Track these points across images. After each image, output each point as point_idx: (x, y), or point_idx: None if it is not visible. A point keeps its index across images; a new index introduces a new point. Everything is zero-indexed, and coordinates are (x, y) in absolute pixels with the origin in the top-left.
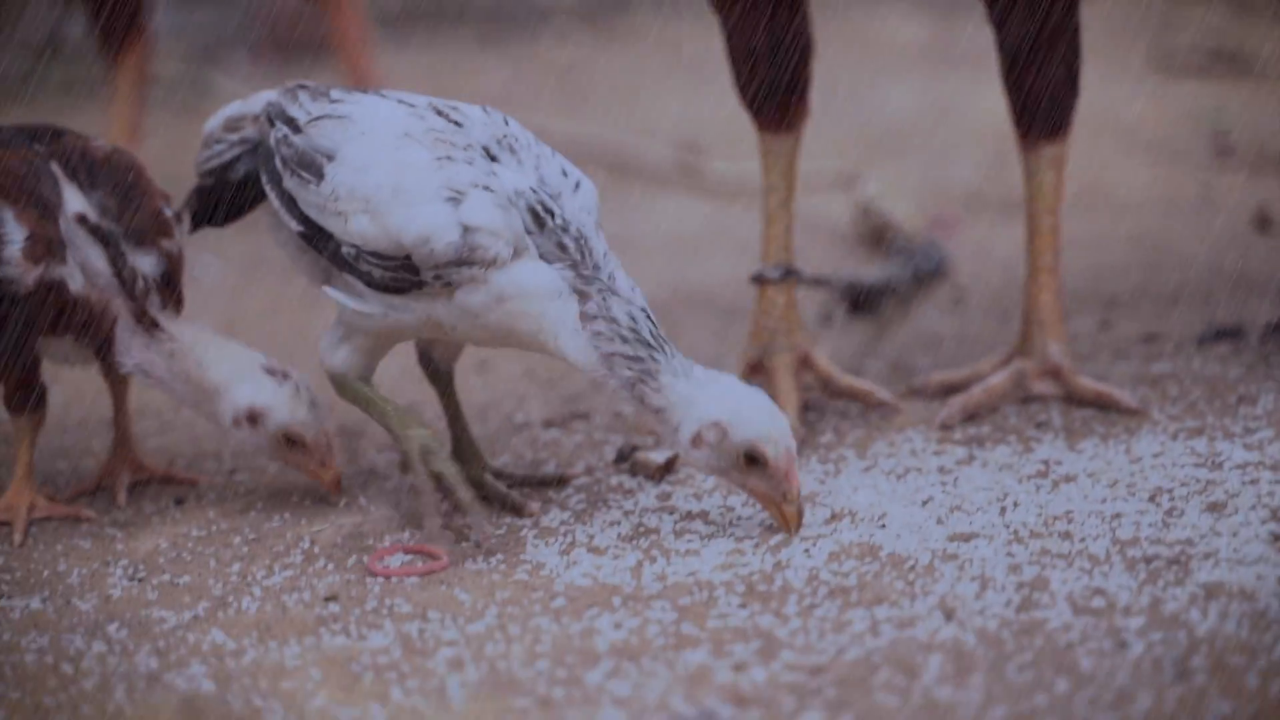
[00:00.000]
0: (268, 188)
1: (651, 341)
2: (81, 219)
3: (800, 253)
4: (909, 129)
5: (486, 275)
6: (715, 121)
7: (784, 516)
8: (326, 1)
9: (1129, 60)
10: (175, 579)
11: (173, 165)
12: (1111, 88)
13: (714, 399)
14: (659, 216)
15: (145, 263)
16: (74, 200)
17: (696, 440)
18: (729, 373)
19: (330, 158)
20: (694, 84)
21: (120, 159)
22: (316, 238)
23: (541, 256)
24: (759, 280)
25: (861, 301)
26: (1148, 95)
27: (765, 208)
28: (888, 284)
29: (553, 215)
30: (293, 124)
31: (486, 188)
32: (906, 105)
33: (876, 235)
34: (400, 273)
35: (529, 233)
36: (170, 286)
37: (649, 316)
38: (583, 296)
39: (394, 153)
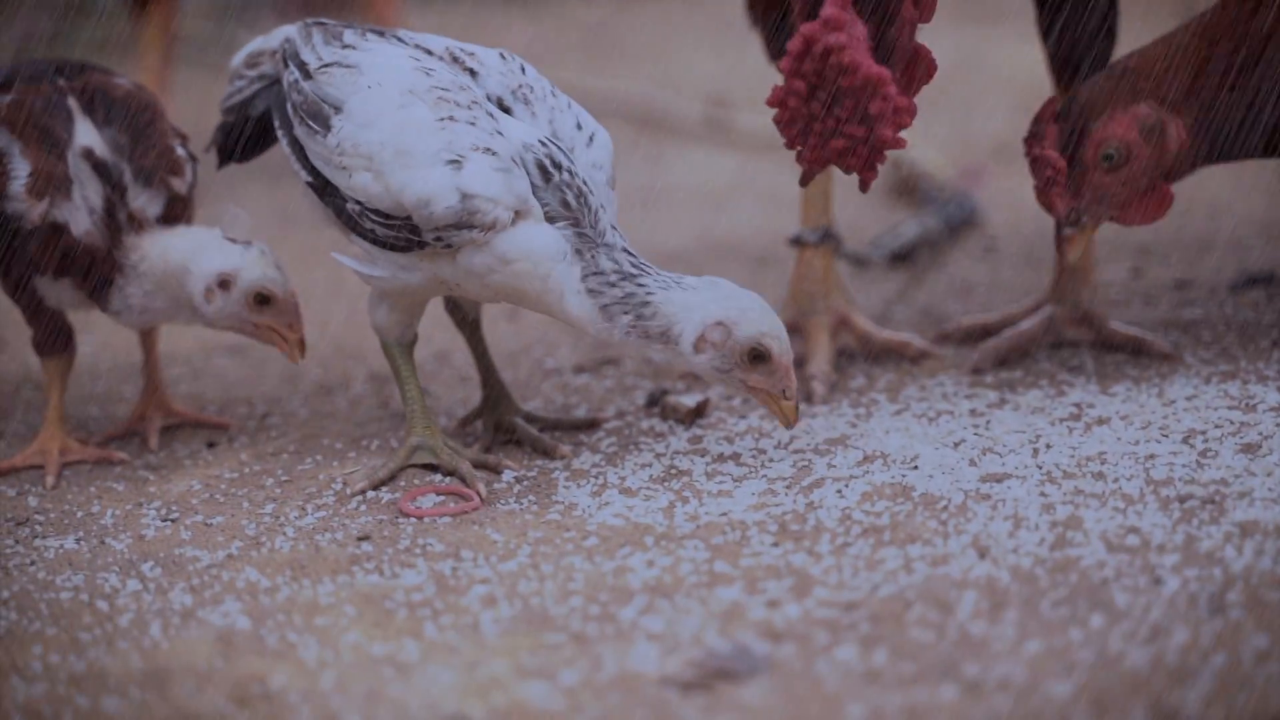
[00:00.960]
0: (279, 133)
1: (633, 271)
2: (88, 154)
3: (835, 199)
4: (937, 81)
5: (487, 238)
6: (742, 76)
7: (783, 411)
8: None
9: (1159, 11)
10: (208, 519)
11: (199, 121)
12: (1140, 38)
13: (713, 301)
14: (688, 169)
15: (150, 202)
16: (85, 135)
17: (700, 343)
18: (722, 279)
19: (337, 109)
20: (720, 39)
21: (138, 96)
22: (324, 190)
23: (547, 214)
24: (797, 243)
25: (896, 254)
26: None
27: None
28: (923, 239)
29: (560, 170)
30: (304, 69)
31: (488, 150)
32: (938, 56)
33: (907, 186)
34: (402, 232)
35: (535, 188)
36: (174, 224)
37: (627, 250)
38: (581, 256)
39: (398, 111)
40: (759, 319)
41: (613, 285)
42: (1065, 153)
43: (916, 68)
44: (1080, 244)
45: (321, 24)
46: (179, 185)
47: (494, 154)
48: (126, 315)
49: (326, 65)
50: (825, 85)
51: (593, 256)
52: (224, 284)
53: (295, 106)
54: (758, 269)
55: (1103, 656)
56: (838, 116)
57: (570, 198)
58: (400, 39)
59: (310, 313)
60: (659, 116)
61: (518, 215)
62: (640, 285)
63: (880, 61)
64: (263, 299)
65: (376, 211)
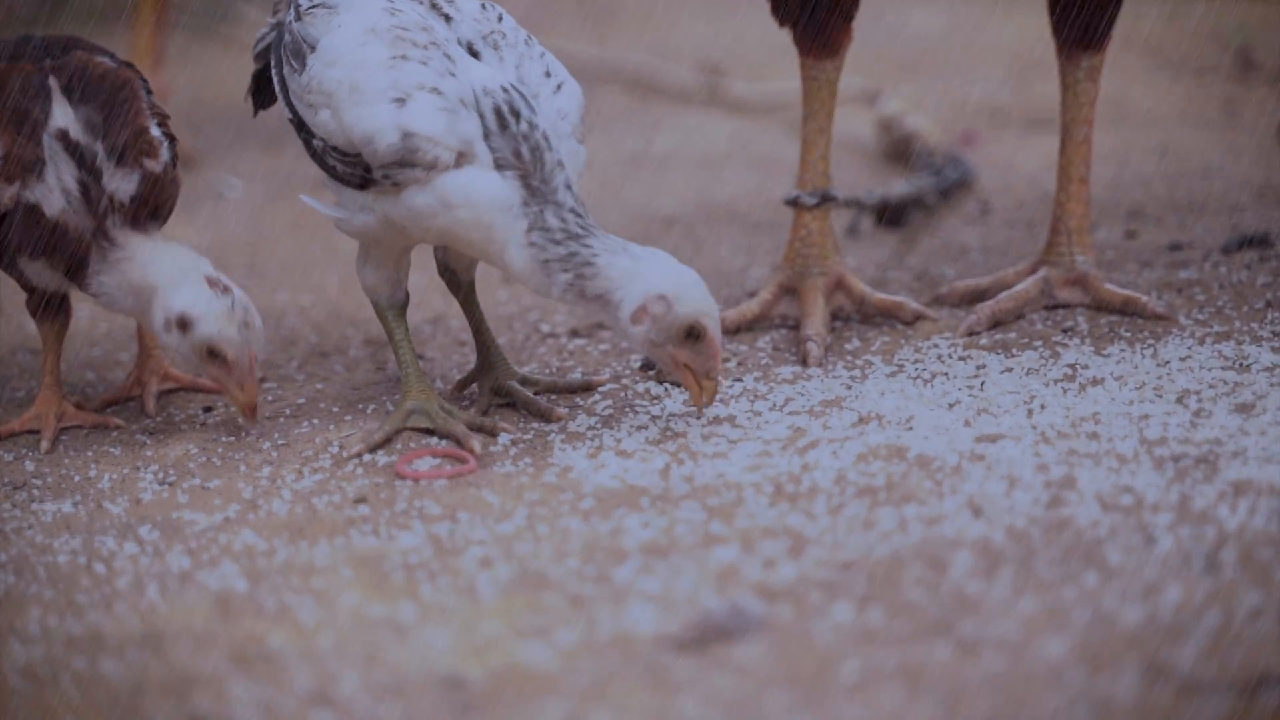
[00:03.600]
0: (274, 74)
1: (580, 232)
2: (63, 135)
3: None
4: (932, 47)
5: (429, 177)
6: (735, 43)
7: (701, 390)
8: None
9: None
10: (205, 483)
11: (196, 89)
12: (1137, 5)
13: (657, 273)
14: (683, 135)
15: (123, 182)
16: (61, 116)
17: (639, 313)
18: (663, 251)
19: (312, 48)
20: (713, 6)
21: (117, 76)
22: (299, 128)
23: (498, 162)
24: (794, 204)
25: (889, 215)
26: (1173, 13)
27: (804, 132)
28: (916, 197)
29: (519, 119)
30: (297, 10)
31: (435, 90)
32: (930, 24)
33: (899, 150)
34: (357, 169)
35: (488, 134)
36: (147, 206)
37: (576, 211)
38: (527, 209)
39: (357, 49)
40: (700, 298)
41: (557, 243)
42: None
43: None
44: None
45: None
46: (153, 166)
47: (439, 94)
48: (105, 299)
49: (313, 6)
50: None
51: (540, 211)
52: (182, 325)
53: (284, 46)
54: (752, 233)
55: (1097, 614)
56: None
57: (524, 149)
58: None
59: (306, 280)
60: (654, 83)
61: (461, 158)
62: (585, 246)
63: None
64: (214, 354)
65: (335, 148)
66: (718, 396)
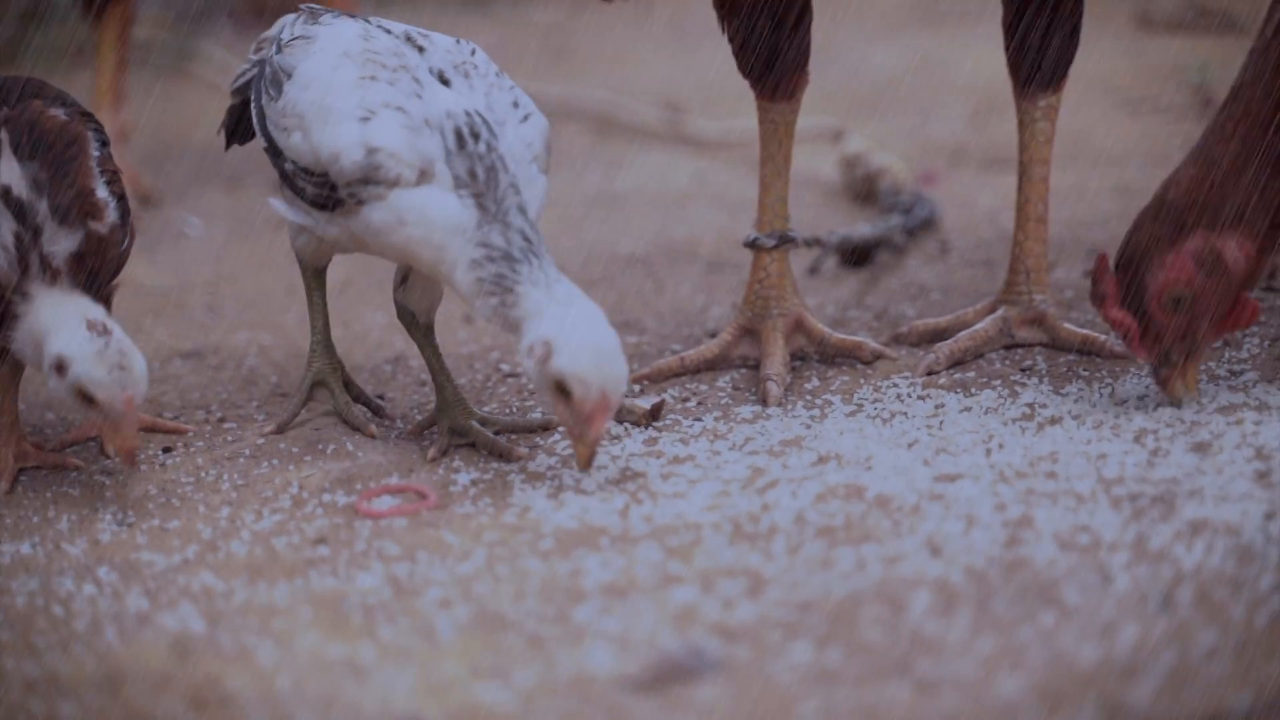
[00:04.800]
0: (253, 108)
1: (516, 255)
2: (5, 192)
3: (792, 204)
4: (893, 86)
5: (388, 194)
6: (698, 81)
7: (577, 454)
8: None
9: (1114, 16)
10: (164, 524)
11: (158, 127)
12: (1096, 43)
13: (558, 319)
14: (644, 172)
15: (64, 241)
16: (7, 172)
17: (528, 350)
18: (594, 304)
19: (289, 75)
20: (674, 44)
21: (68, 131)
22: (273, 154)
23: (456, 181)
24: (753, 246)
25: (856, 255)
26: (1132, 50)
27: (761, 174)
28: (881, 238)
29: (477, 140)
30: (279, 45)
31: (399, 108)
32: (892, 62)
33: (864, 189)
34: (323, 189)
35: (449, 155)
36: (86, 267)
37: (524, 234)
38: (479, 230)
39: (330, 72)
40: (582, 358)
41: (492, 261)
42: (1131, 305)
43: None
44: (1180, 381)
45: (313, 8)
46: (97, 227)
47: (404, 112)
48: (17, 352)
49: (294, 39)
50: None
51: (487, 230)
52: (59, 368)
53: (264, 79)
54: (713, 272)
55: (1054, 654)
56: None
57: (479, 168)
58: (367, 20)
59: (267, 319)
60: (616, 120)
61: (422, 176)
62: (514, 271)
63: None
64: (85, 396)
65: (305, 169)
66: (677, 436)
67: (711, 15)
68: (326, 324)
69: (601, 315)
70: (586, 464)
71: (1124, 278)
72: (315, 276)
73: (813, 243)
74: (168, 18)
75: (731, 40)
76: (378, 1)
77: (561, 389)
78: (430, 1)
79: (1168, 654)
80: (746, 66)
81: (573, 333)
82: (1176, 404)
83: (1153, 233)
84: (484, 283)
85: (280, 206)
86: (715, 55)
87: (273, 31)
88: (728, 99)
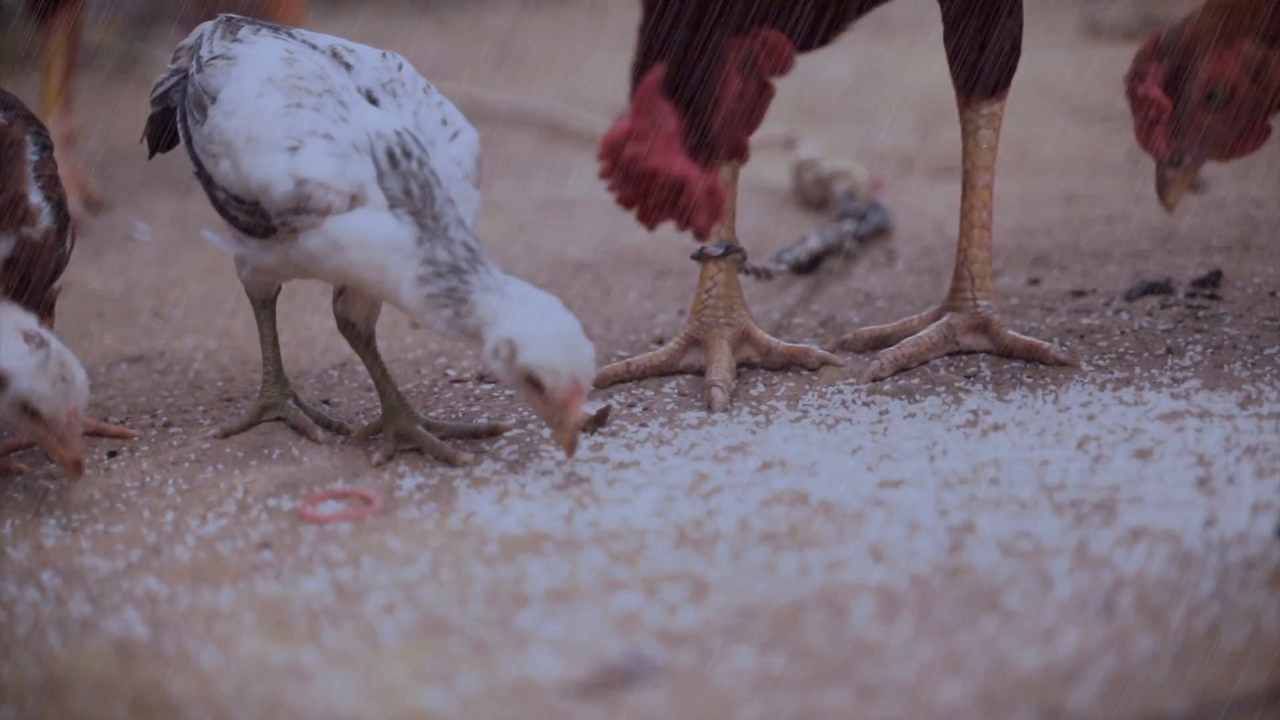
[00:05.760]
0: (179, 126)
1: (464, 267)
2: None
3: (743, 211)
4: (842, 93)
5: (322, 221)
6: None
7: (559, 441)
8: None
9: (1061, 25)
10: (109, 528)
11: (106, 132)
12: (1043, 52)
13: (516, 316)
14: (593, 179)
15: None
16: None
17: (494, 352)
18: (549, 296)
19: (213, 99)
20: (626, 51)
21: (3, 136)
22: (204, 180)
23: (391, 201)
24: (700, 258)
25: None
26: (1079, 59)
27: None
28: (832, 246)
29: (409, 158)
30: (199, 62)
31: (326, 135)
32: (840, 71)
33: (814, 196)
34: (256, 218)
35: (381, 175)
36: (18, 273)
37: (466, 245)
38: (420, 246)
39: (255, 99)
40: (546, 349)
41: (441, 276)
42: (1168, 92)
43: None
44: (1181, 186)
45: (229, 19)
46: (30, 233)
47: (331, 139)
48: None
49: (214, 58)
50: (637, 186)
51: (430, 246)
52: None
53: (187, 97)
54: (660, 279)
55: (995, 659)
56: (657, 204)
57: (413, 186)
58: (290, 35)
59: (213, 324)
60: (565, 128)
61: (354, 200)
62: (464, 282)
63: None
64: (29, 410)
65: (237, 198)
66: (623, 441)
67: None
68: (278, 354)
69: (558, 304)
70: (571, 449)
71: (1166, 62)
72: (264, 307)
73: (762, 274)
74: (117, 22)
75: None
76: (326, 7)
77: (533, 382)
78: (380, 7)
79: (1108, 659)
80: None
81: (534, 326)
82: (1168, 210)
83: (1206, 25)
84: (435, 298)
85: (215, 238)
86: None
87: (190, 41)
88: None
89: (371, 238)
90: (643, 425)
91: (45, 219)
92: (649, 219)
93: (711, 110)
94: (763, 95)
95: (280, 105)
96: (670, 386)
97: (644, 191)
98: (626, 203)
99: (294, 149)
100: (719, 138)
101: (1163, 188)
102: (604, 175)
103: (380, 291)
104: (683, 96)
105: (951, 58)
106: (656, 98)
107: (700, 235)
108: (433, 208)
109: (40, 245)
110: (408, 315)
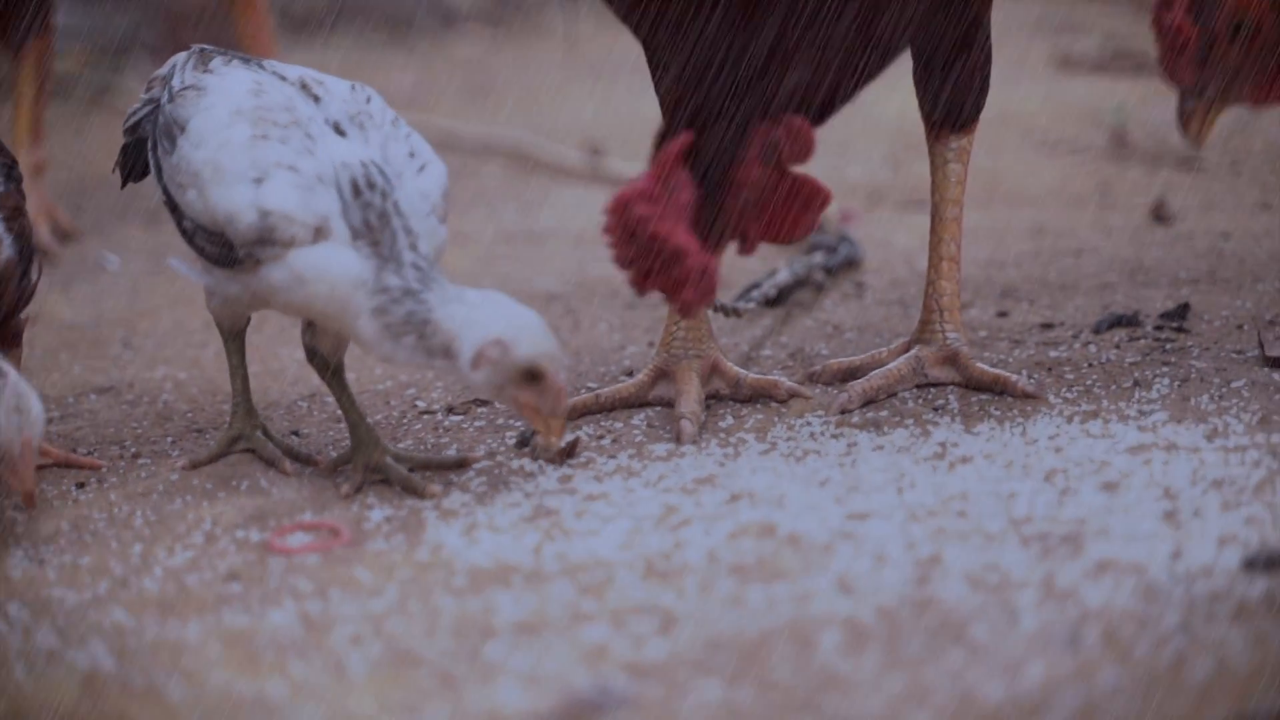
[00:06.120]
0: (150, 156)
1: (415, 287)
2: None
3: None
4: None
5: (285, 254)
6: (619, 119)
7: (548, 427)
8: (231, 1)
9: (1031, 57)
10: (76, 560)
11: (76, 162)
12: (1013, 85)
13: (493, 318)
14: (563, 211)
15: None
16: None
17: (478, 360)
18: (503, 294)
19: (182, 129)
20: (597, 82)
21: None
22: (172, 210)
23: (353, 233)
24: None
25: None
26: (1050, 91)
27: None
28: (802, 279)
29: (373, 189)
30: (170, 92)
31: (291, 167)
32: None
33: None
34: (222, 248)
35: (345, 208)
36: None
37: (416, 265)
38: (378, 278)
39: (223, 130)
40: (536, 339)
41: (397, 303)
42: (1194, 22)
43: (794, 203)
44: (1203, 119)
45: (203, 50)
46: None
47: (296, 171)
48: None
49: (185, 88)
50: (636, 248)
51: (383, 275)
52: None
53: (158, 128)
54: (629, 311)
55: (961, 692)
56: (651, 270)
57: (372, 216)
58: (261, 66)
59: (183, 354)
60: (537, 159)
61: (318, 233)
62: (421, 302)
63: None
64: None
65: (203, 228)
66: (592, 473)
67: (635, 54)
68: (247, 386)
69: (513, 300)
70: (560, 436)
71: None
72: (233, 339)
73: (731, 312)
74: (88, 52)
75: (656, 84)
76: (298, 37)
77: (532, 374)
78: (351, 38)
79: (1073, 692)
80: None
81: (516, 321)
82: (1192, 145)
83: None
84: (393, 326)
85: (182, 267)
86: (638, 95)
87: (163, 71)
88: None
89: (333, 272)
90: (611, 457)
91: (6, 249)
92: (640, 284)
93: (727, 192)
94: (779, 185)
95: (247, 136)
96: (639, 418)
97: (641, 255)
98: (622, 263)
99: (259, 181)
100: (728, 220)
101: (1184, 119)
102: (608, 231)
103: (341, 325)
104: (701, 171)
105: (920, 92)
106: (677, 166)
107: (685, 312)
108: (388, 232)
109: (1, 277)
110: (367, 350)
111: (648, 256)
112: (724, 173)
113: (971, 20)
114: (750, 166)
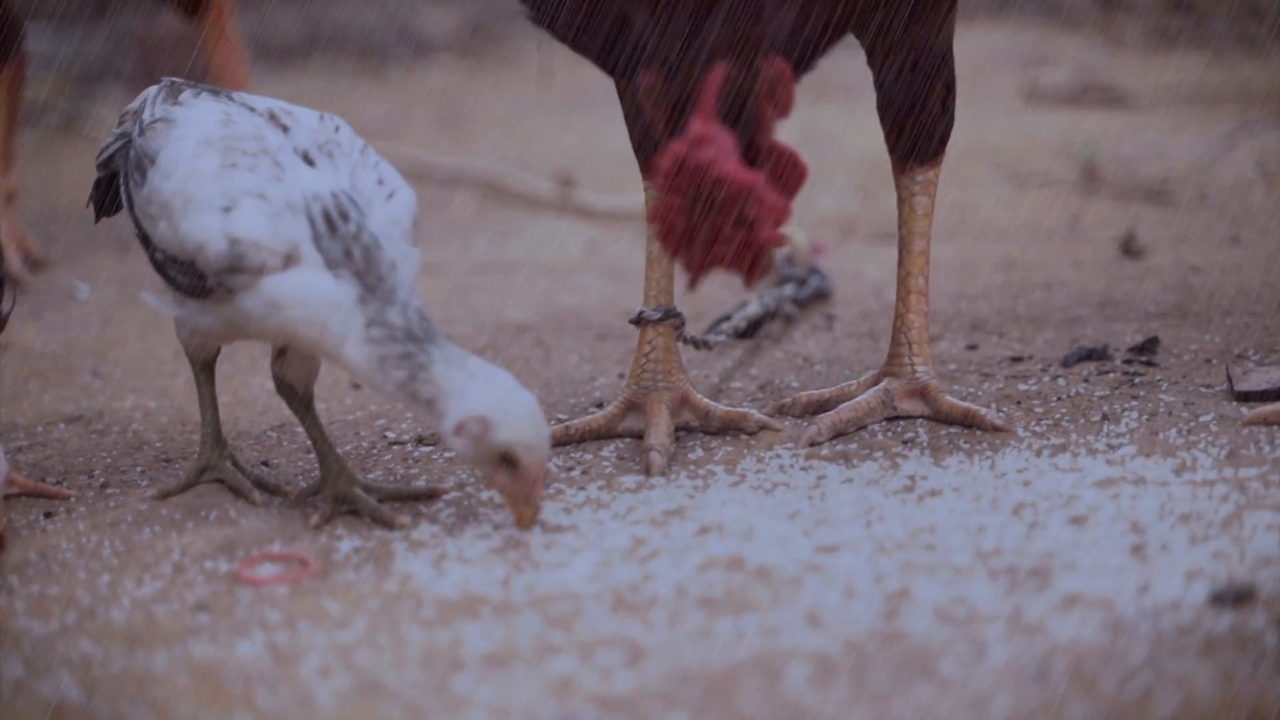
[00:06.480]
0: (122, 188)
1: (421, 335)
2: None
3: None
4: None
5: (256, 281)
6: (591, 150)
7: (519, 515)
8: (204, 30)
9: (1001, 90)
10: (44, 590)
11: (48, 190)
12: (983, 118)
13: (484, 393)
14: (534, 241)
15: None
16: None
17: (459, 429)
18: (505, 372)
19: (152, 161)
20: (569, 112)
21: None
22: (144, 241)
23: (329, 262)
24: (639, 322)
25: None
26: (1020, 125)
27: (648, 250)
28: (771, 312)
29: (347, 221)
30: (141, 125)
31: (260, 195)
32: (781, 135)
33: None
34: (193, 278)
35: (318, 237)
36: None
37: (422, 315)
38: (365, 306)
39: (190, 160)
40: (520, 426)
41: (396, 340)
42: None
43: (787, 168)
44: None
45: (173, 83)
46: None
47: (265, 199)
48: None
49: (155, 121)
50: (701, 198)
51: (379, 308)
52: None
53: (129, 160)
54: (600, 342)
55: None
56: (717, 225)
57: (355, 249)
58: (230, 98)
59: (153, 384)
60: (508, 189)
61: (289, 260)
62: (424, 351)
63: (750, 164)
64: None
65: (174, 258)
66: (561, 505)
67: (606, 86)
68: (216, 416)
69: (516, 382)
70: (530, 523)
71: None
72: (203, 370)
73: (701, 344)
74: (60, 80)
75: (625, 116)
76: (271, 67)
77: (507, 460)
78: (325, 67)
79: None
80: (634, 143)
81: (505, 404)
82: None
83: None
84: (388, 359)
85: (155, 301)
86: (607, 129)
87: (135, 105)
88: (621, 169)
89: (308, 296)
90: (581, 489)
91: None
92: (707, 251)
93: (758, 129)
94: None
95: (216, 166)
96: (609, 450)
97: (706, 205)
98: (680, 231)
99: (228, 209)
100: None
101: None
102: (671, 189)
103: (321, 349)
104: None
105: (885, 125)
106: (711, 105)
107: (765, 251)
108: (377, 270)
109: None
110: (350, 373)
111: (716, 204)
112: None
113: (933, 51)
114: (764, 104)
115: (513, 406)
